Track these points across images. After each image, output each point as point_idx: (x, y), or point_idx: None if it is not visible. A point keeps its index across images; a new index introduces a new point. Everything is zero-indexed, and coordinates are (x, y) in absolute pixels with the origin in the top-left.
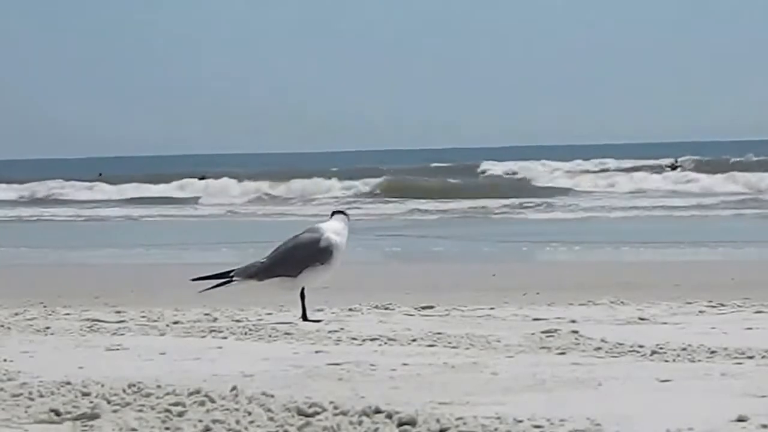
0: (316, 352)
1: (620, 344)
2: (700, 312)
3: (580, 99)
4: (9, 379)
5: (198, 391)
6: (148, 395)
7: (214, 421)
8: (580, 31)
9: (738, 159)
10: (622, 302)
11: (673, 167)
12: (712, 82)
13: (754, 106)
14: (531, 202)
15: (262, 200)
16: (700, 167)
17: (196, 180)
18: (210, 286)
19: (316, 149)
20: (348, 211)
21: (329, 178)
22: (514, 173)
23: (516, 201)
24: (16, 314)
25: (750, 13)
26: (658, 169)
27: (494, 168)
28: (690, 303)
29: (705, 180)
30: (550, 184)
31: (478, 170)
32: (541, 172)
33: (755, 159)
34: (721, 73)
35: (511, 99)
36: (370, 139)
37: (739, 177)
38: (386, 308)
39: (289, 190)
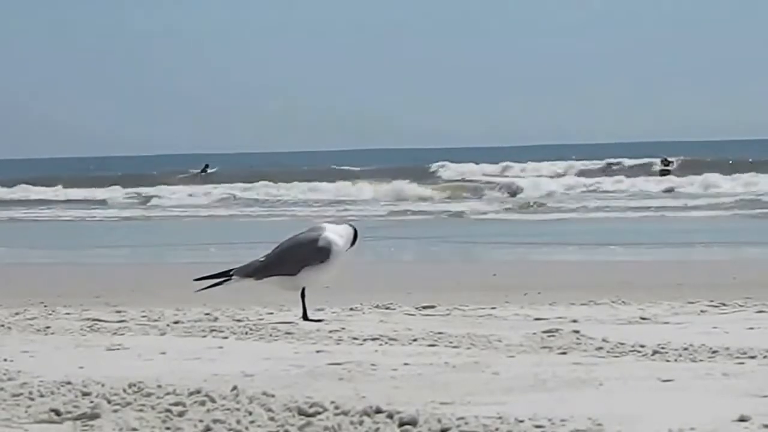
0: (317, 351)
1: (622, 344)
2: (701, 312)
3: (573, 99)
4: (9, 379)
5: (198, 391)
6: (148, 395)
7: (215, 421)
8: (573, 32)
9: (736, 159)
10: (623, 302)
11: (666, 163)
12: (711, 82)
13: (754, 106)
14: (523, 203)
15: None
16: (697, 167)
17: (173, 187)
18: (206, 286)
19: (314, 149)
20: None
21: (323, 181)
22: (505, 173)
23: (510, 201)
24: (16, 314)
25: (750, 14)
26: (652, 168)
27: (484, 169)
28: (691, 303)
29: (702, 179)
30: (540, 185)
31: (469, 171)
32: (529, 173)
33: (754, 159)
34: (720, 73)
35: (503, 99)
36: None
37: (738, 177)
38: (387, 308)
39: (265, 191)
